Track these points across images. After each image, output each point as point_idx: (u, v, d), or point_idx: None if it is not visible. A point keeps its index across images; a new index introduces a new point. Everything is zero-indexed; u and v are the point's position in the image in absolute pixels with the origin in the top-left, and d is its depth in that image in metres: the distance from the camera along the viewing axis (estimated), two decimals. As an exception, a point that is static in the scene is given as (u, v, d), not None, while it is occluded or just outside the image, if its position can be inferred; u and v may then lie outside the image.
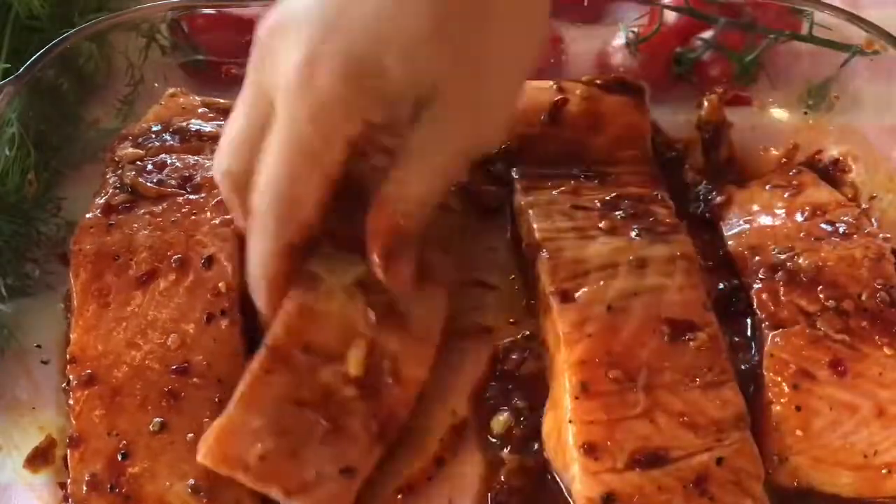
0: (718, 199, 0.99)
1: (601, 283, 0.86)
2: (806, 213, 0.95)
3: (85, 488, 0.78)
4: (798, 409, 0.80)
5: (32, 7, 1.07)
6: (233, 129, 0.81)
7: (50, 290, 0.95)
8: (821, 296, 0.86)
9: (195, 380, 0.82)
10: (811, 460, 0.80)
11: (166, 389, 0.81)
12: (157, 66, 1.11)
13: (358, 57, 0.73)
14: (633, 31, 1.12)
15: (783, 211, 0.96)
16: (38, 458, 0.84)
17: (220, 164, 0.82)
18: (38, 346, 0.92)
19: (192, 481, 0.77)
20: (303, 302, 0.83)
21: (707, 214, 0.99)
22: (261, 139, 0.77)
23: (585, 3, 1.14)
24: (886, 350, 0.83)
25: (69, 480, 0.79)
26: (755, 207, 0.97)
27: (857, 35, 1.03)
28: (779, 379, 0.82)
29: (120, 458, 0.78)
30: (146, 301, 0.86)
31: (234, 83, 1.10)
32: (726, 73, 1.11)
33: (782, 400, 0.81)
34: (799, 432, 0.80)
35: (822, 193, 0.98)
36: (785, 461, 0.80)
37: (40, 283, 0.96)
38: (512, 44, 0.79)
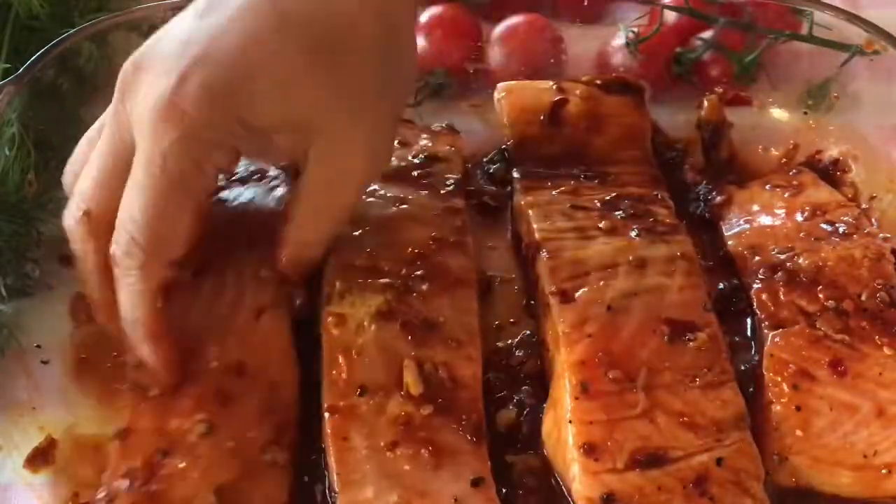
0: (718, 199, 0.99)
1: (601, 283, 0.86)
2: (806, 213, 0.95)
3: (117, 482, 0.76)
4: (798, 409, 0.80)
5: (32, 7, 1.07)
6: (91, 170, 0.78)
7: (50, 290, 0.95)
8: (820, 296, 0.86)
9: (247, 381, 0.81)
10: (811, 460, 0.79)
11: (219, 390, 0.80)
12: (156, 66, 1.11)
13: (225, 82, 0.73)
14: (633, 31, 1.12)
15: (783, 211, 0.96)
16: (38, 458, 0.84)
17: (76, 208, 0.79)
18: (38, 346, 0.92)
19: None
20: (336, 346, 0.83)
21: (707, 214, 0.99)
22: (121, 179, 0.75)
23: (585, 3, 1.14)
24: (886, 350, 0.82)
25: (107, 472, 0.78)
26: (755, 207, 0.98)
27: (857, 35, 1.03)
28: (779, 379, 0.82)
29: (159, 457, 0.77)
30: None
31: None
32: (726, 73, 1.11)
33: (782, 400, 0.81)
34: (799, 432, 0.80)
35: (821, 193, 0.98)
36: (785, 461, 0.79)
37: (40, 283, 0.96)
38: (385, 75, 0.78)
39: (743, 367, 0.86)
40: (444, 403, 0.80)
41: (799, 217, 0.95)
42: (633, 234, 0.90)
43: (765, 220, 0.96)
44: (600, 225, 0.91)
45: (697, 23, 1.12)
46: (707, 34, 1.12)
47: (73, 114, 1.07)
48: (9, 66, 1.02)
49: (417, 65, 0.85)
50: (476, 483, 0.76)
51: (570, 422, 0.78)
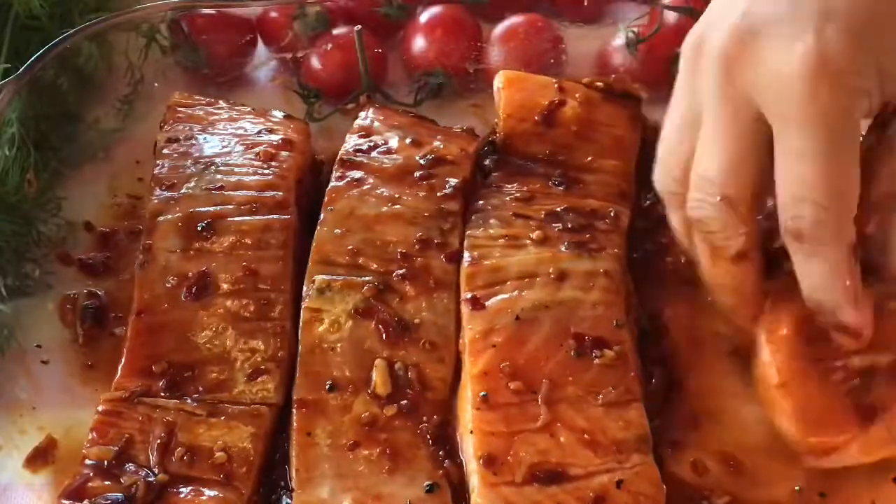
0: None
1: (515, 292, 0.85)
2: None
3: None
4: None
5: (32, 7, 1.07)
6: (725, 156, 0.75)
7: (50, 290, 0.95)
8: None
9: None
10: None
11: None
12: (157, 66, 1.11)
13: (863, 25, 0.69)
14: (633, 31, 1.11)
15: None
16: (38, 458, 0.84)
17: (708, 194, 0.76)
18: (38, 346, 0.92)
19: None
20: (312, 341, 0.84)
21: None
22: (756, 158, 0.74)
23: (585, 3, 1.14)
24: None
25: None
26: None
27: (857, 35, 1.03)
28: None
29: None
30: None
31: (233, 84, 1.13)
32: (726, 73, 1.10)
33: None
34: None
35: None
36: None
37: (40, 283, 0.96)
38: None
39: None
40: (409, 405, 0.81)
41: None
42: (562, 247, 0.88)
43: None
44: (532, 235, 0.89)
45: (697, 23, 1.12)
46: (707, 34, 1.12)
47: (73, 114, 1.07)
48: (9, 66, 1.02)
49: None
50: (431, 489, 0.77)
51: (472, 432, 0.77)
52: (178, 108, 1.01)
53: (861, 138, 0.76)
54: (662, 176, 0.82)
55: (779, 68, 0.71)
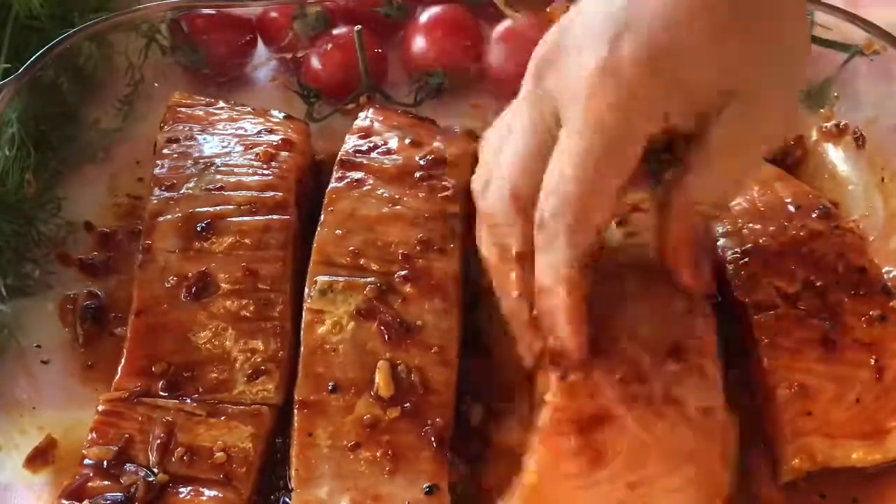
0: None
1: None
2: (758, 192, 0.95)
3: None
4: (801, 389, 0.81)
5: (32, 7, 1.07)
6: (516, 149, 0.77)
7: (50, 290, 0.95)
8: (796, 275, 0.87)
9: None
10: (824, 437, 0.80)
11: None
12: (157, 66, 1.11)
13: (662, 48, 0.71)
14: (632, 31, 1.11)
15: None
16: (38, 458, 0.84)
17: (503, 187, 0.78)
18: (38, 346, 0.92)
19: None
20: (314, 342, 0.84)
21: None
22: (544, 160, 0.75)
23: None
24: (866, 316, 0.84)
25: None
26: None
27: (857, 35, 1.03)
28: (776, 364, 0.82)
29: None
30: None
31: (233, 84, 1.13)
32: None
33: (784, 384, 0.81)
34: (807, 412, 0.80)
35: (769, 171, 0.99)
36: (801, 445, 0.80)
37: (40, 283, 0.96)
38: (798, 28, 0.76)
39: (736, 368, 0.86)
40: (412, 408, 0.81)
41: (756, 197, 0.95)
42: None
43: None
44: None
45: (697, 23, 1.12)
46: (707, 34, 1.12)
47: (73, 114, 1.07)
48: (9, 66, 1.02)
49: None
50: (430, 491, 0.77)
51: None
52: (178, 108, 1.01)
53: None
54: (477, 179, 0.83)
55: (574, 75, 0.73)
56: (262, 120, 1.01)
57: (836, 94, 1.06)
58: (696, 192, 0.77)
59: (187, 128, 0.99)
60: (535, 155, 0.76)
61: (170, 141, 0.97)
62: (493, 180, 0.79)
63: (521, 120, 0.78)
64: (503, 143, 0.79)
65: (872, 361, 0.82)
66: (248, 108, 1.03)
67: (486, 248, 0.81)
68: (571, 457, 0.75)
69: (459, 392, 0.84)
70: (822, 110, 1.07)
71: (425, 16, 1.13)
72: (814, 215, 0.92)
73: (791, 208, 0.93)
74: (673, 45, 0.71)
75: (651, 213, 0.92)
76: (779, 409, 0.81)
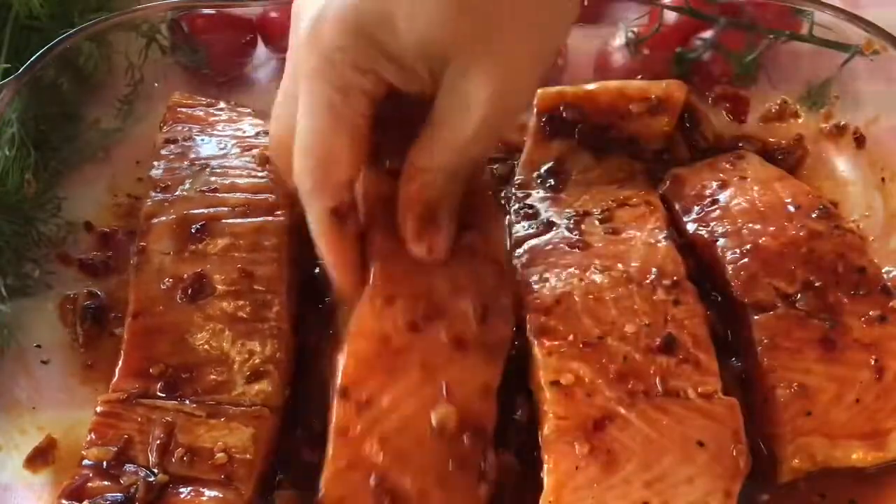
0: (667, 182, 1.00)
1: None
2: (758, 192, 0.95)
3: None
4: (800, 390, 0.81)
5: (32, 7, 1.07)
6: (278, 99, 0.82)
7: (50, 290, 0.95)
8: (796, 275, 0.87)
9: None
10: (824, 437, 0.80)
11: None
12: (157, 66, 1.11)
13: (363, 10, 0.73)
14: (633, 31, 1.11)
15: (739, 192, 0.96)
16: (38, 459, 0.84)
17: (270, 133, 0.83)
18: (38, 346, 0.92)
19: None
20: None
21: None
22: (297, 100, 0.77)
23: (585, 3, 1.13)
24: (866, 317, 0.84)
25: None
26: (707, 191, 0.97)
27: (857, 35, 1.03)
28: (776, 364, 0.82)
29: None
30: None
31: (233, 84, 1.13)
32: (726, 73, 1.11)
33: (782, 384, 0.81)
34: (807, 412, 0.81)
35: (769, 172, 0.99)
36: (800, 445, 0.80)
37: (40, 283, 0.96)
38: (531, 4, 0.76)
39: (733, 361, 0.86)
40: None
41: (757, 197, 0.95)
42: None
43: (722, 201, 0.96)
44: None
45: (697, 23, 1.12)
46: (707, 34, 1.12)
47: (73, 114, 1.07)
48: (9, 66, 1.02)
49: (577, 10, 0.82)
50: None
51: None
52: (178, 109, 1.01)
53: None
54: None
55: (300, 33, 0.76)
56: (261, 122, 1.01)
57: (836, 94, 1.06)
58: (419, 158, 0.77)
59: (186, 128, 0.99)
60: (287, 105, 0.79)
61: (167, 142, 0.97)
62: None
63: (285, 71, 0.81)
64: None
65: (872, 361, 0.82)
66: (248, 110, 1.03)
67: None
68: (584, 465, 0.75)
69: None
70: (822, 110, 1.07)
71: (425, 16, 1.13)
72: (814, 215, 0.92)
73: (791, 208, 0.93)
74: (376, 10, 0.72)
75: (637, 211, 0.93)
76: (778, 409, 0.81)
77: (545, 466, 0.76)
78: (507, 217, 0.95)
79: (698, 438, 0.77)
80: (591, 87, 1.03)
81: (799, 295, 0.86)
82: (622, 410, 0.77)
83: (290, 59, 0.79)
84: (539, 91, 1.02)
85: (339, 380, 0.77)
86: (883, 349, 0.82)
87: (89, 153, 1.06)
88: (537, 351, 0.82)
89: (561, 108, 1.01)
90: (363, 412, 0.76)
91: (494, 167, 1.03)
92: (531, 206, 0.96)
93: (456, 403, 0.76)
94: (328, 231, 0.77)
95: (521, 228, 0.94)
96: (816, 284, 0.86)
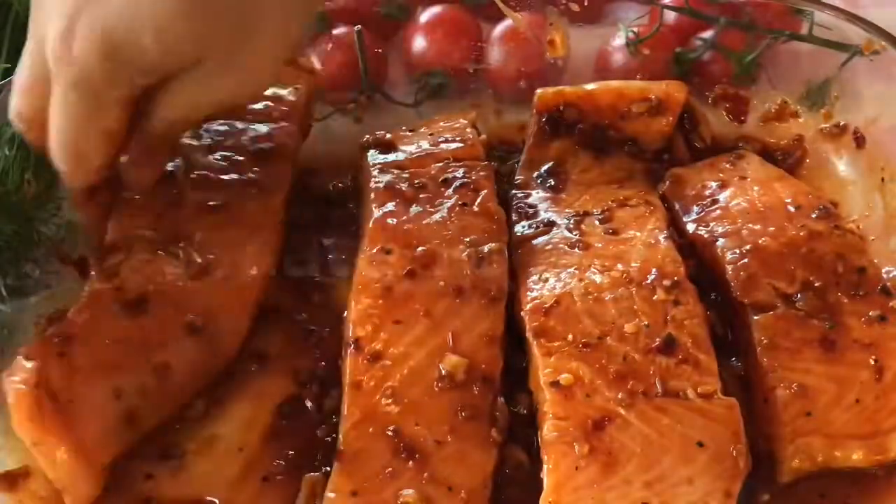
0: (667, 182, 1.00)
1: None
2: (758, 192, 0.95)
3: None
4: (800, 390, 0.81)
5: (32, 7, 1.07)
6: (20, 75, 0.84)
7: (50, 290, 0.95)
8: (796, 275, 0.87)
9: None
10: (824, 438, 0.80)
11: None
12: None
13: (112, 34, 0.76)
14: (633, 31, 1.11)
15: (739, 192, 0.96)
16: (5, 482, 0.82)
17: (12, 106, 0.85)
18: (38, 345, 0.92)
19: None
20: None
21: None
22: (47, 85, 0.80)
23: (585, 3, 1.13)
24: (866, 317, 0.84)
25: None
26: (707, 191, 0.97)
27: (857, 35, 1.03)
28: (776, 364, 0.82)
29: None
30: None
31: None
32: (726, 73, 1.11)
33: (782, 384, 0.81)
34: (807, 413, 0.80)
35: (770, 172, 0.99)
36: (800, 445, 0.80)
37: (40, 283, 0.96)
38: (271, 17, 0.80)
39: (733, 361, 0.87)
40: None
41: (756, 197, 0.95)
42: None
43: (722, 201, 0.95)
44: None
45: (697, 23, 1.12)
46: (707, 34, 1.12)
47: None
48: (9, 66, 1.02)
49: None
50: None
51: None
52: None
53: None
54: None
55: (49, 35, 0.78)
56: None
57: (836, 94, 1.06)
58: (162, 109, 0.83)
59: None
60: (33, 84, 0.82)
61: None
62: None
63: (27, 47, 0.84)
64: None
65: (872, 362, 0.82)
66: None
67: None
68: (583, 465, 0.75)
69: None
70: (821, 110, 1.07)
71: (425, 16, 1.13)
72: (814, 215, 0.92)
73: (791, 208, 0.93)
74: (125, 33, 0.76)
75: (637, 211, 0.93)
76: (778, 409, 0.81)
77: (545, 467, 0.76)
78: (508, 217, 0.95)
79: (698, 439, 0.76)
80: (590, 87, 1.03)
81: (799, 295, 0.85)
82: (622, 411, 0.77)
83: (36, 40, 0.82)
84: (538, 91, 1.02)
85: (349, 333, 0.83)
86: (883, 349, 0.82)
87: (89, 153, 1.06)
88: (536, 351, 0.82)
89: (560, 108, 1.01)
90: (374, 364, 0.81)
91: (494, 165, 1.03)
92: (531, 206, 0.96)
93: (463, 353, 0.81)
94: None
95: (521, 228, 0.94)
96: (816, 285, 0.86)
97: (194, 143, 0.95)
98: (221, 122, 0.97)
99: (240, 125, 0.97)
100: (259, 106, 0.99)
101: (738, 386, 0.85)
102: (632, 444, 0.76)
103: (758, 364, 0.83)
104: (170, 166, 0.93)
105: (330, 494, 0.76)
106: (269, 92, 0.99)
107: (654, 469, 0.75)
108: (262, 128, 0.97)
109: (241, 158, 0.95)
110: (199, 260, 0.87)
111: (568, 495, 0.75)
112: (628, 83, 1.04)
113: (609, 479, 0.75)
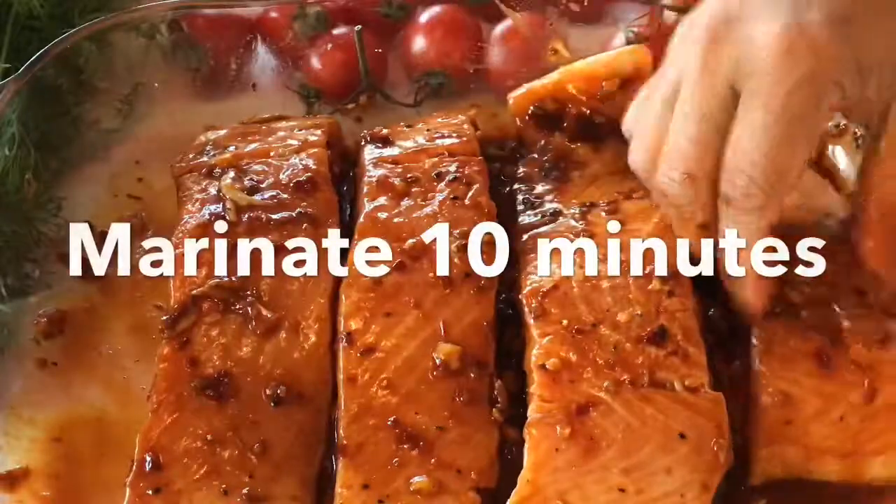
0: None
1: None
2: None
3: None
4: (786, 398, 0.80)
5: (32, 7, 1.07)
6: (692, 133, 0.77)
7: (50, 290, 0.95)
8: (805, 287, 0.85)
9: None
10: (800, 448, 0.80)
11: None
12: (157, 66, 1.11)
13: (844, 15, 0.70)
14: (633, 31, 1.11)
15: None
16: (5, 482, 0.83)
17: (675, 170, 0.78)
18: (38, 344, 0.92)
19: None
20: None
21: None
22: (721, 134, 0.75)
23: (585, 3, 1.14)
24: (866, 338, 0.83)
25: None
26: None
27: (857, 35, 1.03)
28: (766, 369, 0.81)
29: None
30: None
31: (233, 84, 1.13)
32: (726, 73, 1.10)
33: (769, 390, 0.81)
34: (787, 422, 0.80)
35: None
36: (775, 451, 0.80)
37: (40, 283, 0.96)
38: None
39: (730, 362, 0.86)
40: None
41: None
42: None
43: None
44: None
45: (697, 23, 1.12)
46: (707, 34, 1.12)
47: (73, 114, 1.07)
48: (9, 66, 1.02)
49: None
50: None
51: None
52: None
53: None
54: (638, 154, 0.84)
55: (757, 44, 0.72)
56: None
57: (836, 94, 1.06)
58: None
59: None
60: (710, 138, 0.76)
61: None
62: (663, 159, 0.79)
63: (691, 96, 0.76)
64: (655, 117, 0.80)
65: (865, 384, 0.80)
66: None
67: (671, 214, 0.83)
68: (564, 447, 0.76)
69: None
70: (822, 110, 1.06)
71: (425, 16, 1.13)
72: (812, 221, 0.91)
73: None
74: (859, 11, 0.70)
75: (641, 203, 0.93)
76: (759, 412, 0.81)
77: (525, 445, 0.77)
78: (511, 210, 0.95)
79: (680, 430, 0.77)
80: (555, 76, 1.02)
81: (803, 304, 0.84)
82: (607, 397, 0.78)
83: (708, 80, 0.75)
84: (510, 98, 1.02)
85: (341, 327, 0.83)
86: (878, 373, 0.81)
87: (89, 153, 1.06)
88: (531, 332, 0.83)
89: (535, 106, 1.01)
90: (367, 357, 0.82)
91: (497, 166, 1.03)
92: (538, 197, 0.96)
93: (455, 341, 0.82)
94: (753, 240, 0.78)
95: (526, 217, 0.93)
96: (822, 297, 0.85)
97: (236, 185, 0.92)
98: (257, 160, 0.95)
99: (274, 161, 0.95)
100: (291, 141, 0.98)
101: (732, 384, 0.84)
102: (613, 430, 0.76)
103: (749, 366, 0.83)
104: (217, 211, 0.90)
105: (342, 490, 0.76)
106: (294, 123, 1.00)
107: (633, 457, 0.76)
108: (295, 160, 0.95)
109: (286, 196, 0.92)
110: (268, 315, 0.84)
111: (546, 476, 0.75)
112: (594, 59, 1.02)
113: (588, 463, 0.75)
